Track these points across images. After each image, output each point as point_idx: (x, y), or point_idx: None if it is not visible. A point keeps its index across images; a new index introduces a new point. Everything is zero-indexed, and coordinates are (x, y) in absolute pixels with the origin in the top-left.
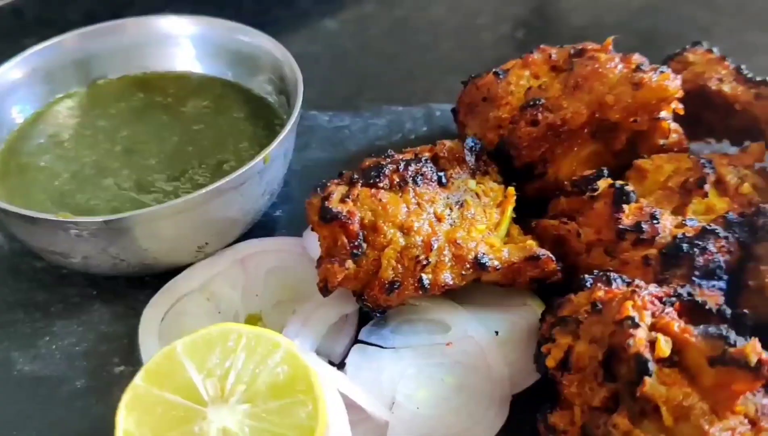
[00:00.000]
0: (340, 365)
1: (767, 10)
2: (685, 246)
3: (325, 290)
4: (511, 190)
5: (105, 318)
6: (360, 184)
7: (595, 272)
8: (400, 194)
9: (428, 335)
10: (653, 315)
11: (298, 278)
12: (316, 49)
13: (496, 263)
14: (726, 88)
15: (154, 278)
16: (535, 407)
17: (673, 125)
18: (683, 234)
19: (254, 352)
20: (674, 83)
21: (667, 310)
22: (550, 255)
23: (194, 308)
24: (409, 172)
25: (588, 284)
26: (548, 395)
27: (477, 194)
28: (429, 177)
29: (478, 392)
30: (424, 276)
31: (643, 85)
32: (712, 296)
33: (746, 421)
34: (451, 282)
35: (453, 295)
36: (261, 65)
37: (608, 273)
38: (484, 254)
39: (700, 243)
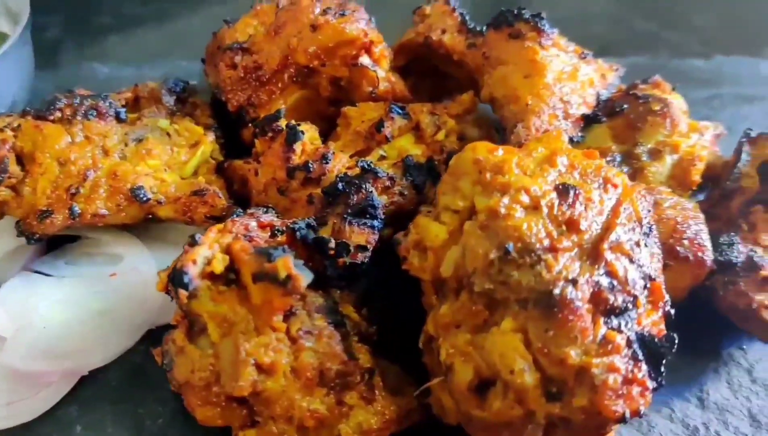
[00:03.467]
0: None
1: None
2: (341, 185)
3: None
4: (200, 130)
5: None
6: (30, 116)
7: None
8: (67, 127)
9: (100, 267)
10: (236, 237)
11: None
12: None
13: (160, 196)
14: (446, 39)
15: None
16: None
17: (382, 73)
18: (345, 174)
19: None
20: (353, 26)
21: (257, 235)
22: (217, 191)
23: None
24: (83, 108)
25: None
26: None
27: (168, 133)
28: (104, 112)
29: (119, 319)
30: (75, 205)
31: (321, 27)
32: (361, 232)
33: (286, 338)
34: (105, 212)
35: (150, 233)
36: None
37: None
38: (141, 186)
39: (357, 182)
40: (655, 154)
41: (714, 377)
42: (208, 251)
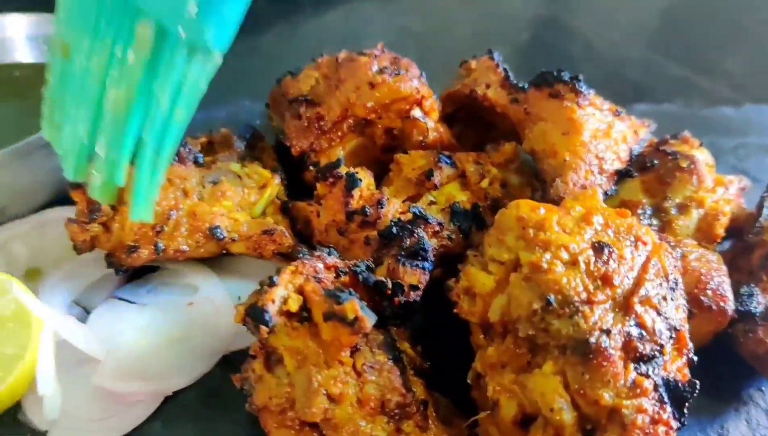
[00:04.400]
0: None
1: None
2: (395, 230)
3: (76, 248)
4: (267, 174)
5: None
6: None
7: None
8: None
9: (177, 296)
10: (307, 279)
11: None
12: None
13: (234, 235)
14: (491, 93)
15: None
16: None
17: (431, 124)
18: (399, 219)
19: None
20: (407, 85)
21: (324, 276)
22: (284, 230)
23: None
24: None
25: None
26: None
27: (240, 176)
28: (184, 157)
29: (197, 345)
30: (159, 242)
31: (378, 86)
32: (413, 273)
33: (353, 372)
34: (186, 249)
35: (222, 265)
36: None
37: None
38: (218, 226)
39: (409, 227)
40: (683, 208)
41: (734, 415)
42: (284, 291)
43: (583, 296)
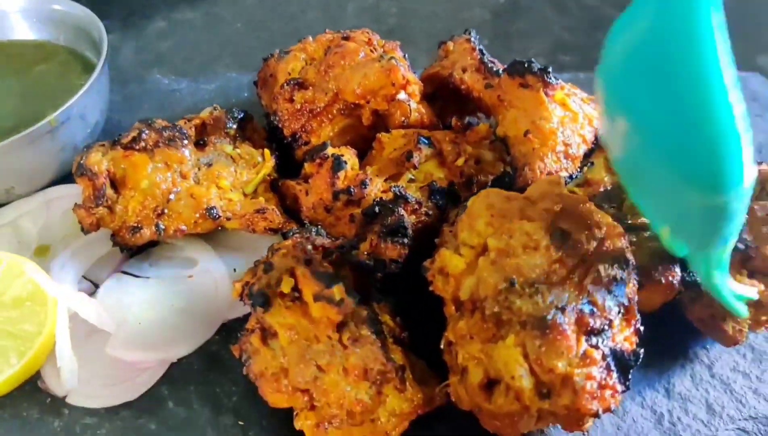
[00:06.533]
0: None
1: None
2: (377, 208)
3: (83, 230)
4: (267, 153)
5: None
6: (119, 147)
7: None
8: (150, 155)
9: (178, 269)
10: (297, 260)
11: None
12: (191, 16)
13: (228, 214)
14: (467, 77)
15: None
16: None
17: (413, 105)
18: (381, 198)
19: (6, 274)
20: (395, 72)
21: (313, 256)
22: (275, 209)
23: (0, 240)
24: (163, 138)
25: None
26: None
27: (232, 157)
28: (180, 141)
29: (198, 315)
30: (160, 223)
31: (367, 73)
32: (393, 248)
33: (339, 345)
34: (184, 228)
35: (218, 239)
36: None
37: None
38: (214, 206)
39: (390, 206)
40: None
41: (680, 371)
42: (278, 274)
43: (542, 278)
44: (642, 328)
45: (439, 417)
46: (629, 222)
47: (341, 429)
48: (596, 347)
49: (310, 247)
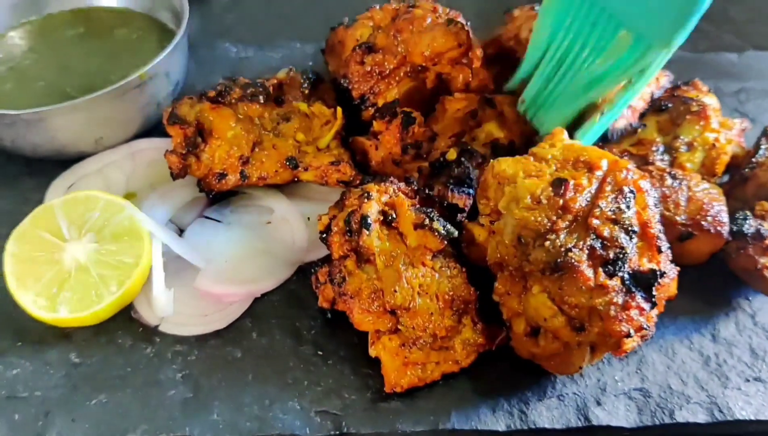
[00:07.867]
0: None
1: None
2: (444, 160)
3: (173, 175)
4: (339, 112)
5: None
6: (206, 100)
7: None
8: (235, 109)
9: (256, 216)
10: (390, 196)
11: None
12: None
13: (306, 165)
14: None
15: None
16: None
17: (475, 69)
18: (447, 151)
19: (106, 211)
20: (460, 35)
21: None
22: (348, 162)
23: (90, 185)
24: (246, 93)
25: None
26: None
27: (307, 114)
28: (261, 97)
29: (278, 256)
30: (244, 170)
31: (434, 36)
32: (460, 198)
33: (432, 271)
34: (266, 176)
35: (292, 190)
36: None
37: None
38: (294, 157)
39: (459, 159)
40: (691, 146)
41: (725, 319)
42: (377, 205)
43: (548, 226)
44: (666, 245)
45: (503, 355)
46: (680, 177)
47: (423, 351)
48: (613, 274)
49: (395, 187)
